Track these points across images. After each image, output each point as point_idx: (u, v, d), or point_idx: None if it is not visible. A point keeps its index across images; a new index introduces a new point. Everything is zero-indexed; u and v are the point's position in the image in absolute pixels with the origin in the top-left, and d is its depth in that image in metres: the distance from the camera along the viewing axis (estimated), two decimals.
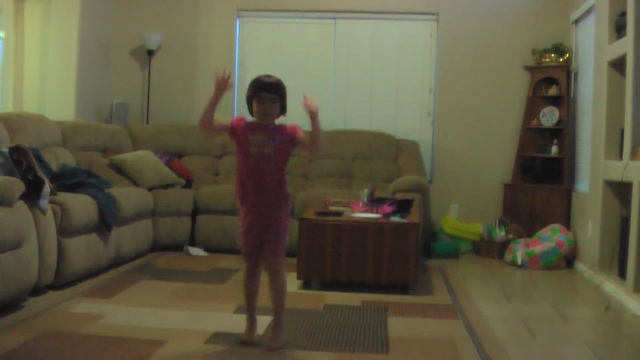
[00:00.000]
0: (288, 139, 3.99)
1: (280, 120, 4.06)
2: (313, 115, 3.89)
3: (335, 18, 8.76)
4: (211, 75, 3.94)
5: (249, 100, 4.01)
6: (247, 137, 3.95)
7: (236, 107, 8.74)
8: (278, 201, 4.03)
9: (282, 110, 4.03)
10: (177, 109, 8.81)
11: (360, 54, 8.77)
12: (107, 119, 8.55)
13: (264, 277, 4.11)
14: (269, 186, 3.98)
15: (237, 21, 8.85)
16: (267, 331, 4.20)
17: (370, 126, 8.61)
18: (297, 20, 8.86)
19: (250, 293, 4.13)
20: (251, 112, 4.03)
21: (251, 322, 4.14)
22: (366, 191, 6.48)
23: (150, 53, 8.68)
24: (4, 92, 8.00)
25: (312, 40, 8.84)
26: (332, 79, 8.77)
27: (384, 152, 8.29)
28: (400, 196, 6.97)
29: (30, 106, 8.05)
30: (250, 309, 4.14)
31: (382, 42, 8.75)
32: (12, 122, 6.07)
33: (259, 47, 8.88)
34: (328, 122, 8.60)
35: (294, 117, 4.17)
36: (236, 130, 4.00)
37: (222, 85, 3.86)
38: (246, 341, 4.07)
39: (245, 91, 4.03)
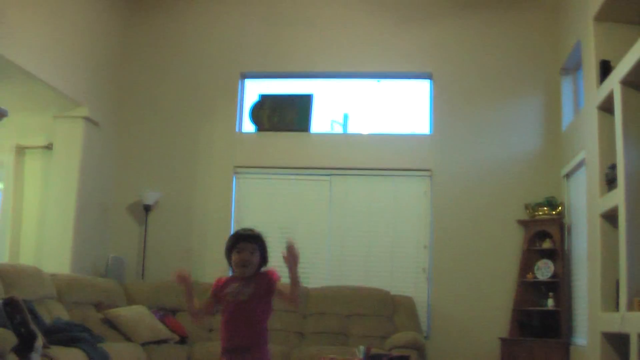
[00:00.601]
0: (265, 284, 3.96)
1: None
2: (292, 266, 3.79)
3: (330, 175, 8.91)
4: (206, 234, 4.04)
5: (228, 253, 4.03)
6: (225, 289, 3.98)
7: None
8: (248, 346, 3.93)
9: (263, 261, 4.05)
10: (173, 264, 8.77)
11: (355, 210, 8.86)
12: (103, 273, 8.53)
13: None
14: (246, 335, 3.92)
15: (234, 178, 9.00)
16: None
17: (366, 281, 8.57)
18: (293, 177, 9.00)
19: None
20: (232, 267, 4.05)
21: None
22: (362, 348, 6.39)
23: (147, 208, 8.76)
24: (1, 243, 8.04)
25: (307, 197, 8.97)
26: (328, 235, 8.83)
27: (379, 309, 8.19)
28: (396, 352, 6.88)
29: (26, 257, 8.08)
30: None
31: (377, 199, 8.86)
32: (7, 274, 6.08)
33: (255, 203, 9.01)
34: (323, 277, 8.61)
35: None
36: (218, 292, 4.03)
37: (182, 279, 4.01)
38: None
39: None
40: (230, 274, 4.17)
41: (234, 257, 3.99)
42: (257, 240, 4.02)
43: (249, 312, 3.93)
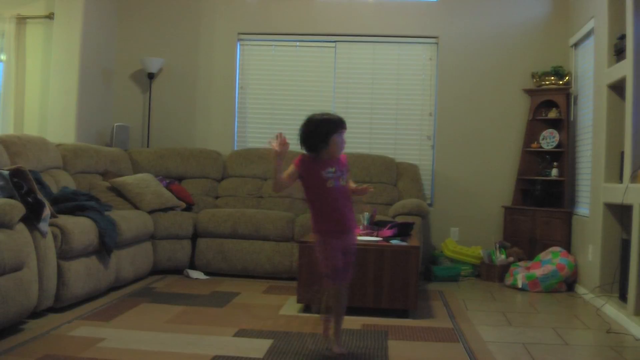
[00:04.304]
0: (345, 167, 4.27)
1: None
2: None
3: (335, 41, 8.79)
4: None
5: (323, 137, 4.13)
6: (322, 173, 4.13)
7: (236, 131, 8.77)
8: (353, 225, 4.33)
9: None
10: (177, 132, 8.83)
11: (360, 77, 8.79)
12: (108, 142, 8.56)
13: None
14: (348, 213, 4.25)
15: (238, 45, 8.88)
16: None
17: (370, 149, 8.61)
18: (297, 43, 8.89)
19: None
20: (313, 149, 4.16)
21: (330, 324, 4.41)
22: (366, 214, 6.47)
23: (151, 76, 8.70)
24: (5, 115, 8.03)
25: (312, 64, 8.87)
26: (332, 102, 8.77)
27: (384, 175, 8.26)
28: (400, 219, 6.96)
29: (31, 128, 8.08)
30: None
31: (382, 66, 8.77)
32: (13, 145, 6.08)
33: (260, 71, 8.92)
34: None
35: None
36: (305, 172, 4.18)
37: (283, 146, 4.06)
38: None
39: (301, 128, 4.19)
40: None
41: (337, 141, 4.16)
42: None
43: (348, 195, 4.25)
